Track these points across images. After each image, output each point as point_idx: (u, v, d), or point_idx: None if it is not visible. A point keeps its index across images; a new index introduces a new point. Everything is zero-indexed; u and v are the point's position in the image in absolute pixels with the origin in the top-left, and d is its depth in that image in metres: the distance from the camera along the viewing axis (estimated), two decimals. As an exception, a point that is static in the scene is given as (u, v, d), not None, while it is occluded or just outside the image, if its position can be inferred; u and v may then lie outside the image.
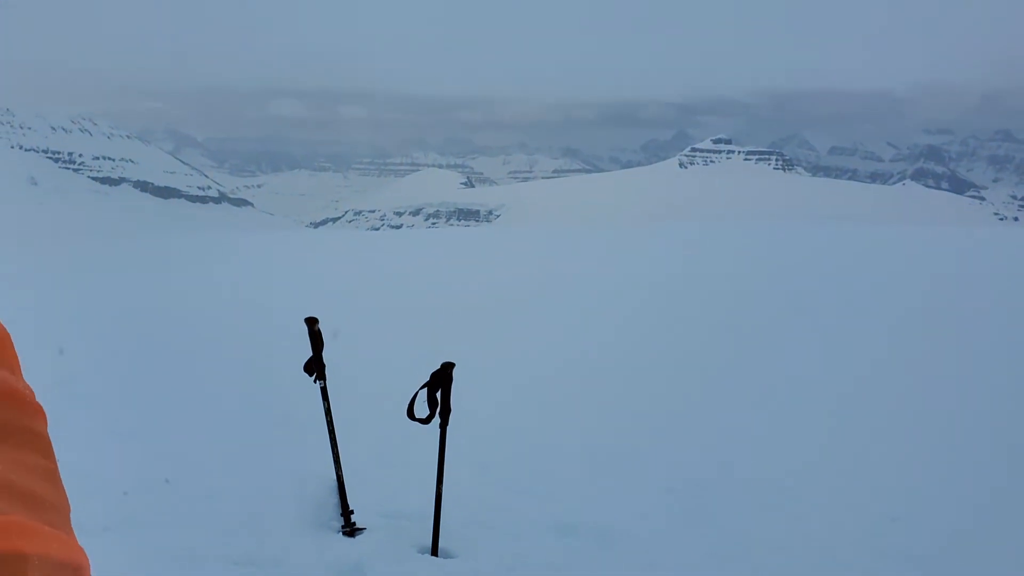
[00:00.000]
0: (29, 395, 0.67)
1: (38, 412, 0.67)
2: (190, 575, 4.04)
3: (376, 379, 8.08)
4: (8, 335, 0.69)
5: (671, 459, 6.69)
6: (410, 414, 4.29)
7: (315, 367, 4.56)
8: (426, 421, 4.29)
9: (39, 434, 0.66)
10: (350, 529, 4.54)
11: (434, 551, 4.42)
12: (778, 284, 17.02)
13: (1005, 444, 7.35)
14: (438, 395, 4.34)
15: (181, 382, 8.32)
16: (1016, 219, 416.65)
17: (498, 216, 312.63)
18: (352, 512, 4.60)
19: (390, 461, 5.93)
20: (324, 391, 4.60)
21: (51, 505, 0.62)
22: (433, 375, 4.30)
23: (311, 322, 4.53)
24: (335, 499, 4.69)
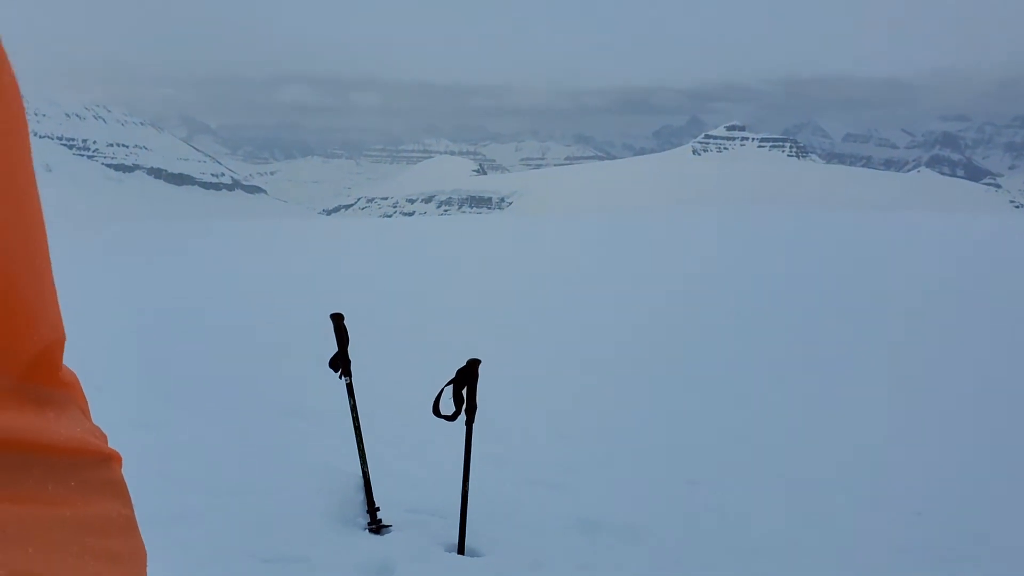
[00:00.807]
0: (103, 444, 0.68)
1: (112, 458, 0.68)
2: (217, 572, 4.04)
3: (400, 374, 8.08)
4: (78, 381, 0.69)
5: (694, 453, 6.66)
6: (436, 411, 4.27)
7: (340, 363, 4.54)
8: (452, 418, 4.26)
9: (116, 482, 0.67)
10: (376, 526, 4.53)
11: (460, 549, 4.40)
12: (796, 274, 16.94)
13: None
14: (464, 392, 4.31)
15: (202, 374, 8.33)
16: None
17: (510, 204, 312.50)
18: (378, 509, 4.59)
19: (415, 458, 5.92)
20: (350, 387, 4.58)
21: (127, 558, 0.64)
22: (459, 372, 4.27)
23: (337, 318, 4.51)
24: (361, 496, 4.68)
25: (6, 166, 0.52)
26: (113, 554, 0.63)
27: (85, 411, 0.70)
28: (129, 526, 0.67)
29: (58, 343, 0.61)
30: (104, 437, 0.70)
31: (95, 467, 0.66)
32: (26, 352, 0.57)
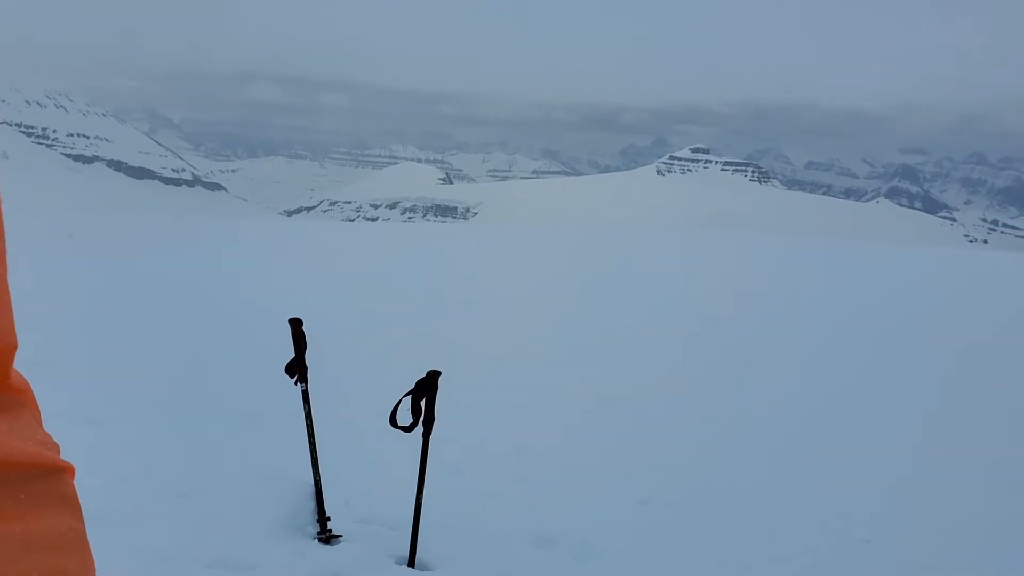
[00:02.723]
0: (56, 455, 0.67)
1: (65, 470, 0.67)
2: (162, 574, 3.95)
3: (357, 383, 8.01)
4: (29, 386, 0.68)
5: (647, 472, 6.68)
6: (392, 422, 4.22)
7: (297, 368, 4.47)
8: (409, 429, 4.21)
9: (68, 495, 0.66)
10: (326, 536, 4.46)
11: (411, 562, 4.35)
12: (755, 299, 17.10)
13: (970, 461, 7.44)
14: (422, 403, 4.27)
15: (154, 372, 8.20)
16: (985, 242, 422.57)
17: (475, 214, 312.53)
18: (329, 519, 4.52)
19: (369, 468, 5.86)
20: (305, 394, 4.51)
21: (75, 575, 0.62)
22: (418, 383, 4.23)
23: (295, 323, 4.45)
24: (312, 504, 4.61)
25: None
26: (62, 571, 0.61)
27: (37, 418, 0.69)
28: (79, 540, 0.66)
29: (9, 350, 0.61)
30: (57, 447, 0.69)
31: (47, 479, 0.64)
32: None
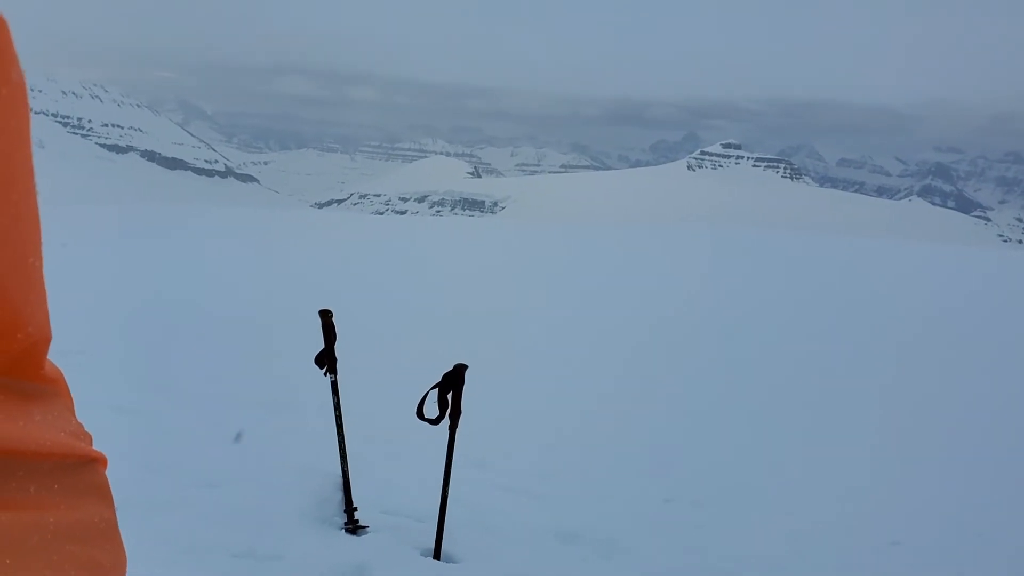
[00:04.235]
0: (88, 446, 0.68)
1: (97, 460, 0.68)
2: (189, 563, 3.99)
3: (385, 375, 8.04)
4: (62, 376, 0.69)
5: (673, 469, 6.66)
6: (419, 414, 4.23)
7: (326, 360, 4.50)
8: (435, 422, 4.23)
9: (100, 485, 0.67)
10: (353, 527, 4.49)
11: (436, 554, 4.37)
12: (792, 299, 16.93)
13: (1006, 466, 7.32)
14: (449, 396, 4.28)
15: (185, 362, 8.28)
16: (1021, 241, 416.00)
17: (503, 208, 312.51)
18: (356, 509, 4.55)
19: (396, 460, 5.89)
20: (335, 385, 4.54)
21: (107, 566, 0.64)
22: (445, 376, 4.24)
23: (325, 315, 4.47)
24: (339, 495, 4.64)
25: (8, 174, 0.52)
26: (93, 563, 0.62)
27: (70, 407, 0.70)
28: (111, 530, 0.67)
29: (44, 341, 0.61)
30: (89, 438, 0.70)
31: (80, 470, 0.65)
32: (10, 351, 0.57)
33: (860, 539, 5.55)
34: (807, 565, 5.09)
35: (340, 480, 4.66)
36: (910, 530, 5.76)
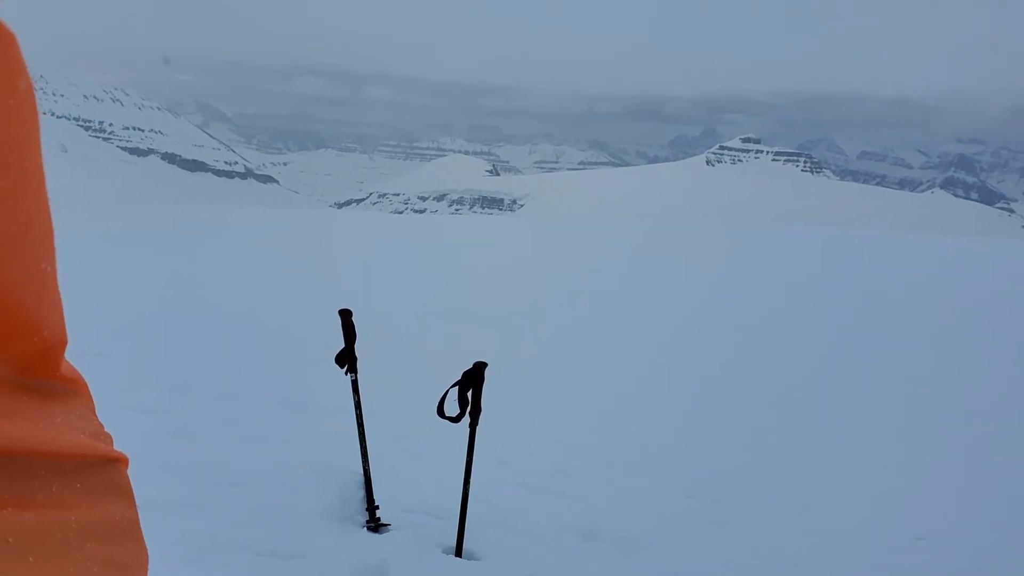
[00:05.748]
0: (109, 446, 0.68)
1: (119, 460, 0.68)
2: (211, 562, 4.01)
3: (406, 373, 8.06)
4: (82, 377, 0.69)
5: (693, 466, 6.64)
6: (440, 412, 4.24)
7: (347, 359, 4.51)
8: (456, 420, 4.23)
9: (122, 485, 0.68)
10: (375, 525, 4.50)
11: (458, 552, 4.37)
12: (816, 297, 16.83)
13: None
14: (469, 394, 4.28)
15: (206, 362, 8.33)
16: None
17: (522, 206, 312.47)
18: (378, 507, 4.56)
19: (417, 458, 5.90)
20: (355, 384, 4.55)
21: (129, 566, 0.65)
22: (465, 374, 4.24)
23: (345, 314, 4.48)
24: (361, 493, 4.65)
25: (17, 181, 0.52)
26: (116, 562, 0.63)
27: (91, 407, 0.70)
28: (133, 530, 0.68)
29: (59, 345, 0.62)
30: (110, 438, 0.71)
31: (101, 470, 0.66)
32: (27, 354, 0.58)
33: (883, 535, 5.50)
34: (829, 562, 5.05)
35: (362, 478, 4.67)
36: (934, 526, 5.71)
